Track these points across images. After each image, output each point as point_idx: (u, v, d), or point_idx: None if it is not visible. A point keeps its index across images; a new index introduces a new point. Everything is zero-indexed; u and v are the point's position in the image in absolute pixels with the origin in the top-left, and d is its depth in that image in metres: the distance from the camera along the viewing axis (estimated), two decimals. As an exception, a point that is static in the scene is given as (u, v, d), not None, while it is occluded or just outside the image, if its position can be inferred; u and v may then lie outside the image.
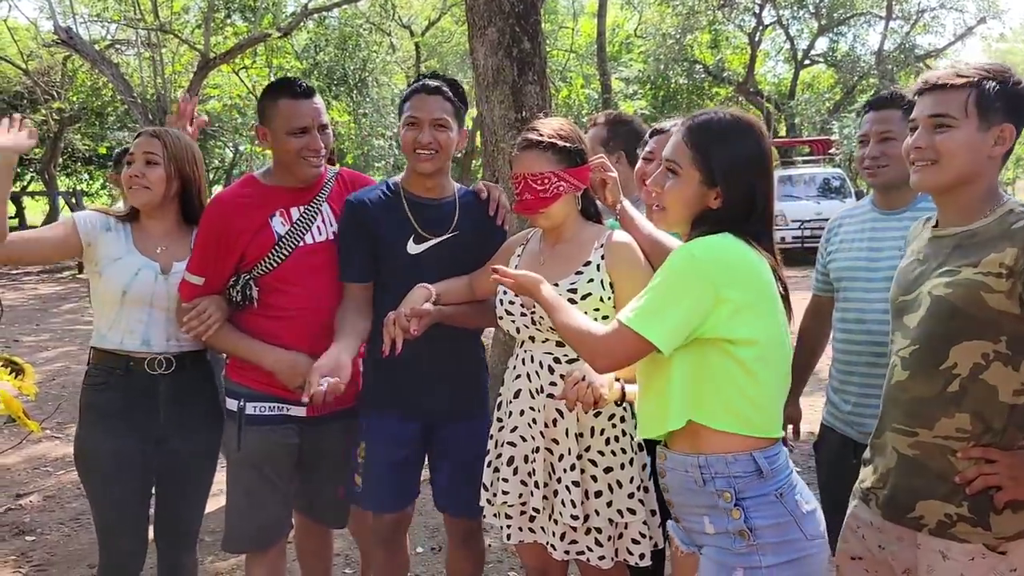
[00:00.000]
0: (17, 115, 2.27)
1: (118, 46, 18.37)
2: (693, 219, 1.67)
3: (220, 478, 2.49)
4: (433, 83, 2.30)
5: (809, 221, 14.20)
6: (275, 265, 2.30)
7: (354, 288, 2.34)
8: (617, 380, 1.86)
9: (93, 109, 19.74)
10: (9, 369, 1.48)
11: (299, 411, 2.32)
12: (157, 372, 2.33)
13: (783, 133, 24.08)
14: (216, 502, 2.60)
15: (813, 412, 2.65)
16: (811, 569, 1.60)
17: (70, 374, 7.10)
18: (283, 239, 2.30)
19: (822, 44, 25.27)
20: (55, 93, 18.57)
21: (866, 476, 1.76)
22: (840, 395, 2.34)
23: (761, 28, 23.97)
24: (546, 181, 2.02)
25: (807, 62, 25.85)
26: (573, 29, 22.84)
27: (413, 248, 2.32)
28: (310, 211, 2.36)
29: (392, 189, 2.38)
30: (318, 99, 2.32)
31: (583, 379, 1.79)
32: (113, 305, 2.30)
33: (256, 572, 2.39)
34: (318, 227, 2.36)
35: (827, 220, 2.65)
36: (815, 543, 1.61)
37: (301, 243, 2.32)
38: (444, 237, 2.33)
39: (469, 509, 2.32)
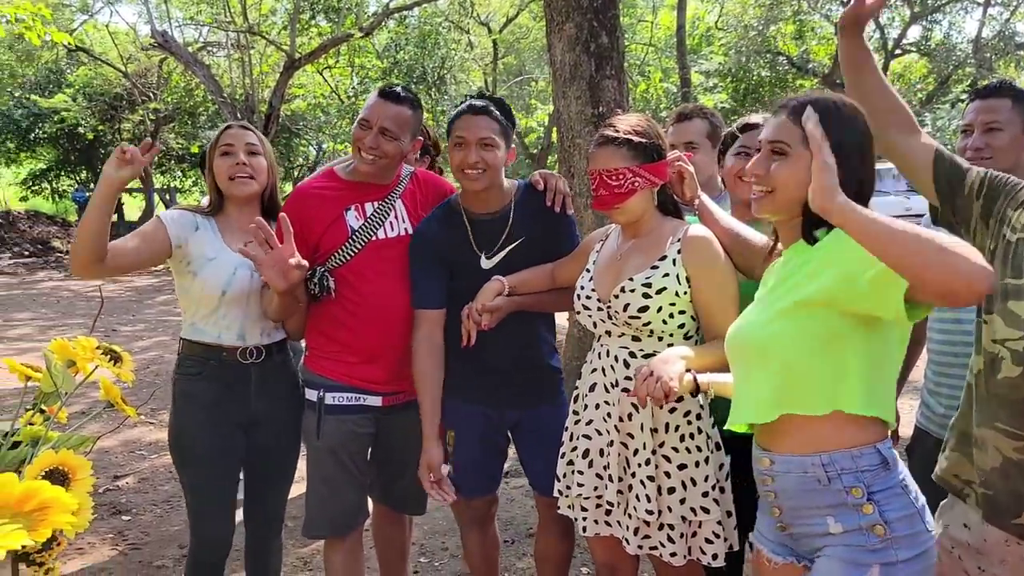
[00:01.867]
0: (148, 140, 2.26)
1: (209, 48, 19.07)
2: (803, 202, 1.57)
3: (300, 465, 2.57)
4: (479, 103, 2.30)
5: (899, 217, 13.62)
6: (348, 258, 2.36)
7: (425, 314, 2.36)
8: (688, 371, 1.83)
9: (186, 109, 20.54)
10: (108, 357, 1.56)
11: (375, 401, 2.39)
12: (249, 361, 2.40)
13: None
14: (296, 488, 2.68)
15: (902, 415, 2.55)
16: (933, 563, 1.53)
17: (163, 362, 7.43)
18: (356, 233, 2.36)
19: (914, 32, 24.22)
20: (152, 94, 19.42)
21: (960, 468, 1.66)
22: (935, 397, 2.25)
23: (849, 17, 23.09)
24: (621, 177, 2.01)
25: (898, 51, 24.77)
26: (652, 23, 22.52)
27: (486, 264, 2.36)
28: (384, 207, 2.41)
29: (454, 208, 2.41)
30: (403, 108, 2.34)
31: (651, 374, 1.77)
32: (211, 304, 2.35)
33: (334, 557, 2.46)
34: (391, 223, 2.41)
35: (917, 216, 2.54)
36: (932, 536, 1.54)
37: (374, 237, 2.37)
38: (513, 246, 2.36)
39: None
